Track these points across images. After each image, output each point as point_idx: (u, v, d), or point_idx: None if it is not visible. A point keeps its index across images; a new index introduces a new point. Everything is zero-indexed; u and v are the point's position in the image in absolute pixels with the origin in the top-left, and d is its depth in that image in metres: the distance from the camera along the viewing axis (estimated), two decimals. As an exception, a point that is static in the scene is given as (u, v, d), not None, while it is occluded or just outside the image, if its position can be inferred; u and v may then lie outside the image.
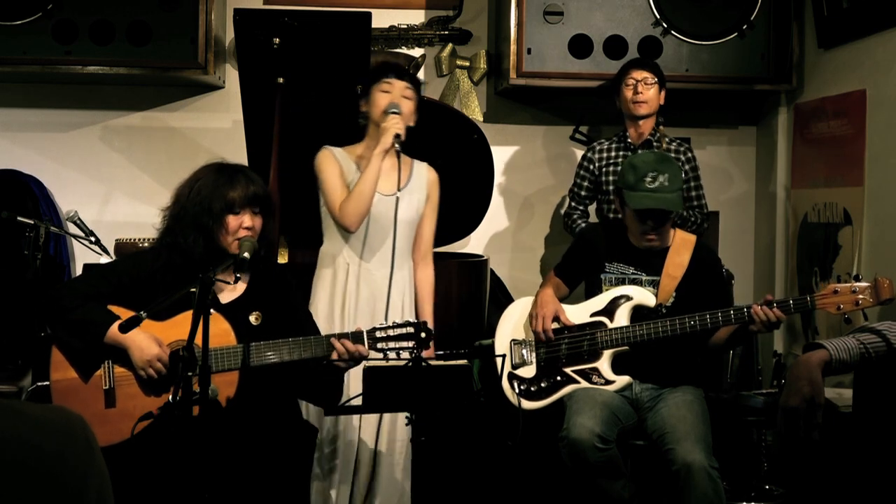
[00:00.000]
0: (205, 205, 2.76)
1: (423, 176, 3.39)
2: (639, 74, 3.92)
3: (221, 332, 2.68)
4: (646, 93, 3.90)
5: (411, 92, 3.30)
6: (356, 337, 2.79)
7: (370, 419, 3.23)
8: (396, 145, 3.16)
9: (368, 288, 3.25)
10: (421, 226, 3.38)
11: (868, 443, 2.68)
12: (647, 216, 3.20)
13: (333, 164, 3.28)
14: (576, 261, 3.48)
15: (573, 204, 4.21)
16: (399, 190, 3.21)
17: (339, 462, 3.23)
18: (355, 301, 3.25)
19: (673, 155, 3.91)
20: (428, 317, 3.35)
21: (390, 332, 2.79)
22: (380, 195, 3.23)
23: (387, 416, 3.23)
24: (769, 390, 3.94)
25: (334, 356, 2.76)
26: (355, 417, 3.20)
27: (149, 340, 2.69)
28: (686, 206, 3.91)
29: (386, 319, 3.11)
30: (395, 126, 3.16)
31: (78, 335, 2.73)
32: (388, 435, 3.25)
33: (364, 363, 2.78)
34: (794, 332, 4.36)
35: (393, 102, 3.23)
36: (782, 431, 2.67)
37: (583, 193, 4.16)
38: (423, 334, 2.78)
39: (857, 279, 3.04)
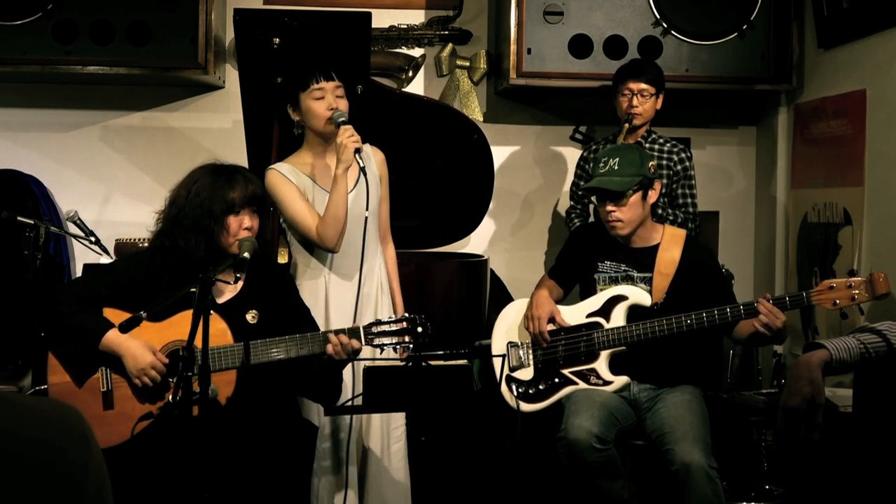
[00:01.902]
0: (205, 206, 2.75)
1: (371, 160, 3.28)
2: (636, 86, 3.86)
3: (218, 331, 2.68)
4: (641, 105, 3.86)
5: (342, 89, 3.17)
6: (353, 332, 2.79)
7: (366, 417, 3.22)
8: (359, 161, 3.05)
9: (344, 288, 3.20)
10: (379, 208, 3.30)
11: (868, 443, 2.68)
12: (603, 198, 3.26)
13: (288, 184, 3.14)
14: (568, 261, 3.48)
15: (572, 203, 4.22)
16: (367, 208, 3.12)
17: (338, 460, 3.23)
18: (338, 305, 3.19)
19: (666, 155, 3.91)
20: (396, 293, 3.34)
21: (386, 328, 2.79)
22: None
23: (381, 414, 3.22)
24: (769, 390, 3.94)
25: (329, 350, 2.75)
26: (353, 416, 3.20)
27: (143, 349, 2.69)
28: (672, 205, 3.92)
29: (356, 312, 3.10)
30: (353, 141, 3.02)
31: (73, 342, 2.74)
32: (382, 433, 3.24)
33: (364, 363, 2.78)
34: (794, 332, 4.35)
35: (338, 111, 3.09)
36: (782, 431, 2.67)
37: (579, 193, 4.17)
38: (419, 328, 2.78)
39: (852, 274, 3.04)
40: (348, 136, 3.03)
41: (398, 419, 3.25)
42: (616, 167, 3.25)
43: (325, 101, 3.12)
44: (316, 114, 3.13)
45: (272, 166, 3.20)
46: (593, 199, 3.40)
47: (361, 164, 3.07)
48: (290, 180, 3.15)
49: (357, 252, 3.14)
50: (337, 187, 3.06)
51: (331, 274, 3.20)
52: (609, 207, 3.25)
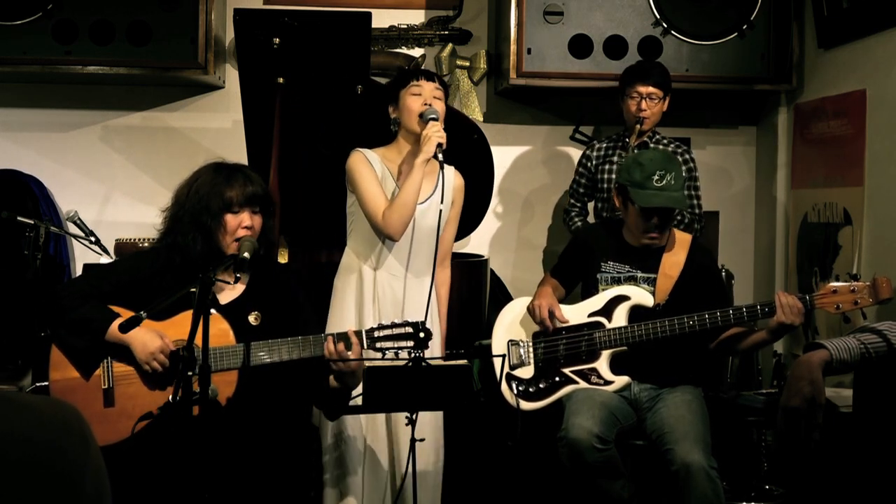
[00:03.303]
0: (203, 204, 2.75)
1: (450, 181, 3.34)
2: (644, 89, 3.83)
3: (220, 331, 2.68)
4: (650, 109, 3.84)
5: (441, 93, 3.26)
6: (353, 336, 2.78)
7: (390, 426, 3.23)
8: (439, 155, 3.11)
9: (405, 295, 3.24)
10: (444, 229, 3.34)
11: (868, 443, 2.69)
12: (654, 214, 3.19)
13: (369, 168, 3.22)
14: (571, 262, 3.48)
15: (571, 201, 4.22)
16: (442, 201, 3.18)
17: (349, 467, 3.22)
18: (393, 306, 3.23)
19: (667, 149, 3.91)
20: (442, 318, 3.38)
21: (387, 332, 2.79)
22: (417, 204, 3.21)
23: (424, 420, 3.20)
24: (769, 390, 3.94)
25: (325, 354, 2.75)
26: (377, 422, 3.20)
27: (151, 334, 2.69)
28: None
29: (427, 312, 3.14)
30: (437, 135, 3.10)
31: (79, 334, 2.73)
32: (430, 448, 3.23)
33: (364, 363, 2.77)
34: (794, 333, 4.35)
35: (430, 108, 3.17)
36: (783, 431, 2.67)
37: (580, 191, 4.17)
38: (421, 334, 2.78)
39: (855, 278, 3.03)
40: (434, 131, 3.12)
41: (439, 435, 3.27)
42: (673, 181, 3.16)
43: (422, 98, 3.21)
44: (410, 108, 3.21)
45: (359, 148, 3.28)
46: (639, 210, 3.19)
47: (440, 159, 3.12)
48: (371, 164, 3.23)
49: (415, 255, 3.24)
50: (412, 176, 3.13)
51: (399, 270, 3.25)
52: (657, 221, 3.20)
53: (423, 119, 3.17)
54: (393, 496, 3.20)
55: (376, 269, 3.25)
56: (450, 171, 3.35)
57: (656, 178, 3.16)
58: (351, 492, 3.23)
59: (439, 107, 3.22)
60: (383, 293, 3.24)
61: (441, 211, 3.19)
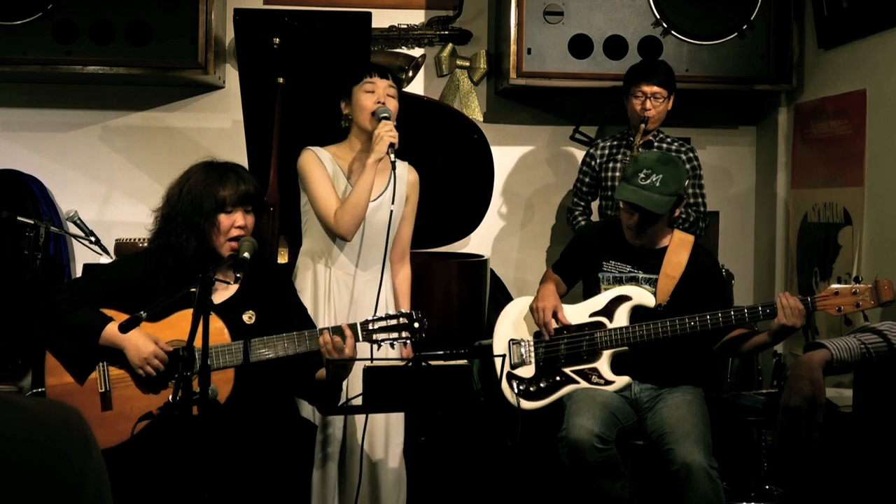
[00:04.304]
0: (196, 204, 2.75)
1: (404, 177, 3.30)
2: (649, 88, 3.84)
3: (215, 330, 2.67)
4: (654, 109, 3.85)
5: (394, 90, 3.22)
6: (350, 328, 2.78)
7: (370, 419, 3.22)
8: (391, 155, 3.08)
9: (357, 292, 3.22)
10: (400, 226, 3.32)
11: (868, 443, 2.69)
12: (635, 210, 3.20)
13: (320, 167, 3.20)
14: (573, 259, 3.48)
15: (575, 200, 4.22)
16: (393, 202, 3.14)
17: (338, 458, 3.22)
18: (347, 304, 3.21)
19: (674, 155, 3.90)
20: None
21: (383, 324, 2.79)
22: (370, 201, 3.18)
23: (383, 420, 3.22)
24: (769, 390, 3.94)
25: (321, 344, 2.75)
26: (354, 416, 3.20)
27: (144, 338, 2.70)
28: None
29: (376, 309, 3.11)
30: (389, 135, 3.06)
31: (73, 338, 2.74)
32: (384, 433, 3.24)
33: (364, 363, 2.78)
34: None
35: (383, 107, 3.14)
36: (783, 431, 2.67)
37: (584, 189, 4.17)
38: (416, 324, 2.78)
39: (857, 280, 3.03)
40: (386, 130, 3.08)
41: (398, 429, 3.26)
42: (658, 184, 3.13)
43: (375, 95, 3.17)
44: (363, 106, 3.18)
45: (310, 147, 3.25)
46: (620, 203, 3.27)
47: (393, 159, 3.08)
48: (322, 163, 3.20)
49: (367, 253, 3.19)
50: (364, 176, 3.09)
51: (351, 268, 3.22)
52: (636, 219, 3.21)
53: (376, 117, 3.13)
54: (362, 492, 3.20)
55: (330, 268, 3.23)
56: (403, 166, 3.31)
57: (642, 175, 3.16)
58: (337, 484, 3.23)
59: (392, 105, 3.18)
60: (337, 291, 3.22)
61: (392, 212, 3.15)
